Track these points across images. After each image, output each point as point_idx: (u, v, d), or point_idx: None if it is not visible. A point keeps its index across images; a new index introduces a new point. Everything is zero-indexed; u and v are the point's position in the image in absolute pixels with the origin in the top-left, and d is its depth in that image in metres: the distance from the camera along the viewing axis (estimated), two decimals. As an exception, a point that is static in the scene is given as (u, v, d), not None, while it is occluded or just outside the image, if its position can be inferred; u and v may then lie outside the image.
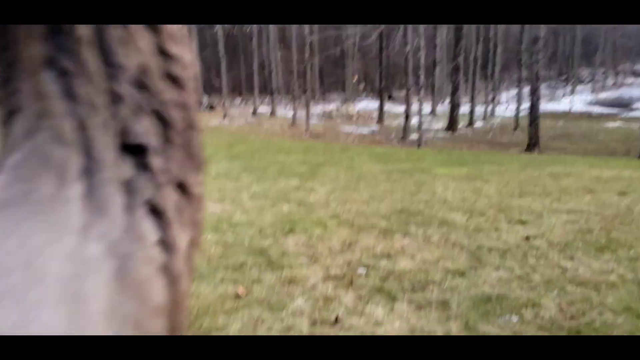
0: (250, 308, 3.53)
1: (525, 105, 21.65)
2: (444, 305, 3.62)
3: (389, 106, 34.60)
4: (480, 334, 3.20)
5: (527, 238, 5.06)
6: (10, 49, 0.24)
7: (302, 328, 3.26)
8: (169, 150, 0.29)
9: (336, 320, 3.38)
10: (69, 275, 0.23)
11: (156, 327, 0.26)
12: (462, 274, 4.19)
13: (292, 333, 3.20)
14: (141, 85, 0.28)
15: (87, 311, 0.23)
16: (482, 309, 3.54)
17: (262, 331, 3.22)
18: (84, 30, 0.25)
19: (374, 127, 27.23)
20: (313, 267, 4.32)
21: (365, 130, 25.72)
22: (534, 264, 4.37)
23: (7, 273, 0.22)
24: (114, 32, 0.27)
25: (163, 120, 0.29)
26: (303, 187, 7.81)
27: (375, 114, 30.92)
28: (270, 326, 3.28)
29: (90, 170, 0.25)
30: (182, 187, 0.29)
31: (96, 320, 0.23)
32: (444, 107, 34.71)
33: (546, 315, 3.44)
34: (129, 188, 0.26)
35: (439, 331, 3.23)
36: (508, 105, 35.90)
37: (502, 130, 25.78)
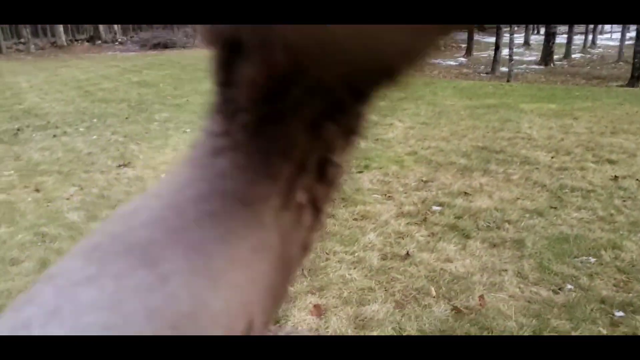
0: (322, 240, 3.68)
1: (632, 33, 19.77)
2: (519, 244, 3.59)
3: (478, 36, 32.87)
4: (554, 273, 3.16)
5: (615, 178, 4.81)
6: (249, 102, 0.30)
7: (373, 262, 3.37)
8: (343, 163, 0.35)
9: (407, 255, 3.46)
10: (243, 282, 0.30)
11: (286, 291, 0.33)
12: (540, 213, 4.09)
13: (362, 265, 3.32)
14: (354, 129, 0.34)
15: (253, 293, 0.30)
16: (558, 249, 3.48)
17: (334, 262, 3.36)
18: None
19: (462, 58, 26.09)
20: (387, 204, 4.39)
21: (451, 62, 24.73)
22: (619, 205, 4.17)
23: (191, 286, 0.28)
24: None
25: (350, 137, 0.35)
26: (381, 123, 7.76)
27: (464, 45, 29.53)
28: (342, 258, 3.42)
29: (292, 181, 0.32)
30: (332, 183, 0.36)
31: (257, 299, 0.30)
32: (538, 37, 32.50)
33: (627, 258, 3.32)
34: (310, 195, 0.33)
35: (510, 270, 3.23)
36: (612, 34, 32.98)
37: (602, 62, 23.85)
